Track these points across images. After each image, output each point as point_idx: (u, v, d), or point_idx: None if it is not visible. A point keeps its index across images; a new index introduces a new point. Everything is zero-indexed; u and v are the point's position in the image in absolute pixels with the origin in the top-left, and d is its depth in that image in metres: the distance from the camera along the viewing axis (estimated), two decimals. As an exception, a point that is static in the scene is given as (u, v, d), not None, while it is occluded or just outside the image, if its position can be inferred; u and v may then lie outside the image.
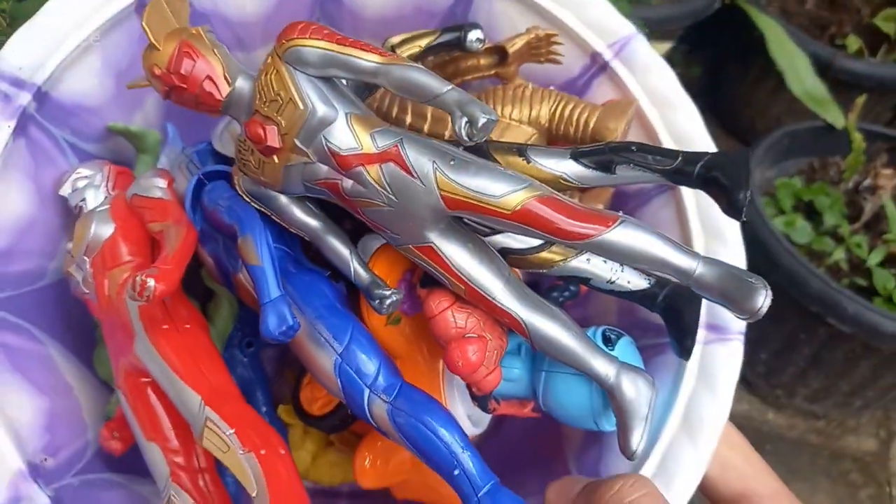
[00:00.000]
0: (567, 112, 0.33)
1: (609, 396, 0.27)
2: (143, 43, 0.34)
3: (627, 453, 0.27)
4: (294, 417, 0.35)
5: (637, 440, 0.26)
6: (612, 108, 0.32)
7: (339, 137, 0.27)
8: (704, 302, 0.31)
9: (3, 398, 0.28)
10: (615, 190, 0.36)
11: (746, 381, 0.86)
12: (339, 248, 0.29)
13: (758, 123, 1.11)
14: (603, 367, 0.27)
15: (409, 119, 0.34)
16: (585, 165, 0.28)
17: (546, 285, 0.36)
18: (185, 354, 0.26)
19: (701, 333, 0.31)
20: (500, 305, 0.27)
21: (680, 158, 0.27)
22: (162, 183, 0.31)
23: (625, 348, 0.30)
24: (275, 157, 0.28)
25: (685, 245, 0.25)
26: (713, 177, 0.26)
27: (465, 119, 0.24)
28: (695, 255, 0.24)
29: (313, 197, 0.29)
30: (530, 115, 0.33)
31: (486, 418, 0.35)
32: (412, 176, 0.26)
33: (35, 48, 0.31)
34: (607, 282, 0.30)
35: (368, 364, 0.27)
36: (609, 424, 0.31)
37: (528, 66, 0.35)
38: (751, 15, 0.97)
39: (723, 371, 0.30)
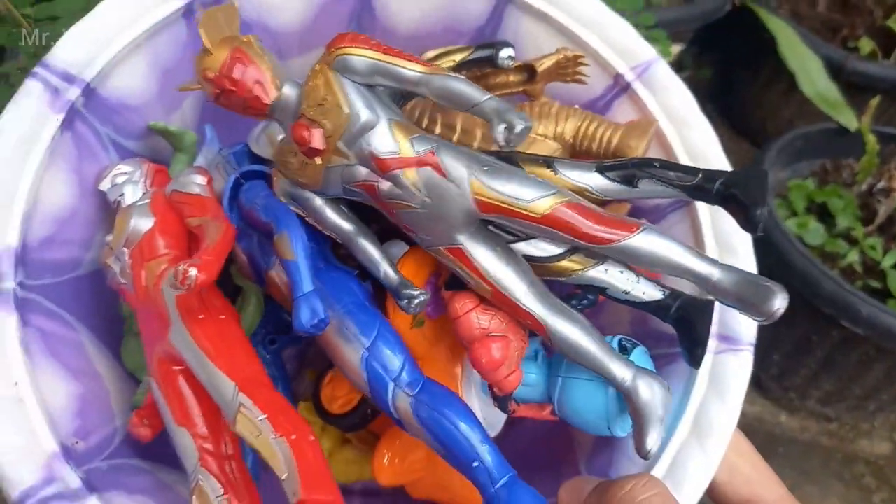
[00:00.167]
0: (591, 129, 0.34)
1: (626, 399, 0.28)
2: (187, 47, 0.37)
3: (642, 453, 0.28)
4: (312, 415, 0.36)
5: (653, 441, 0.27)
6: (634, 127, 0.34)
7: (379, 141, 0.28)
8: (716, 313, 0.32)
9: (39, 382, 0.29)
10: (632, 206, 0.37)
11: (759, 384, 0.85)
12: (370, 249, 0.31)
13: (769, 125, 1.11)
14: (620, 370, 0.28)
15: (438, 130, 0.35)
16: (610, 179, 0.29)
17: (564, 293, 0.37)
18: (220, 343, 0.27)
19: (712, 343, 0.32)
20: (523, 307, 0.28)
21: (700, 175, 0.28)
22: (202, 180, 0.33)
23: (640, 357, 0.31)
24: (317, 159, 0.29)
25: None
26: (731, 194, 0.27)
27: (503, 125, 0.26)
28: (713, 261, 0.26)
29: (347, 200, 0.31)
30: (555, 130, 0.34)
31: (499, 422, 0.36)
32: (447, 179, 0.27)
33: (86, 46, 0.33)
34: (623, 292, 0.31)
35: (394, 359, 0.28)
36: (622, 430, 0.32)
37: (553, 84, 0.37)
38: (762, 17, 0.96)
39: (733, 380, 0.32)
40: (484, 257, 0.28)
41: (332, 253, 0.33)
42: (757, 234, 0.26)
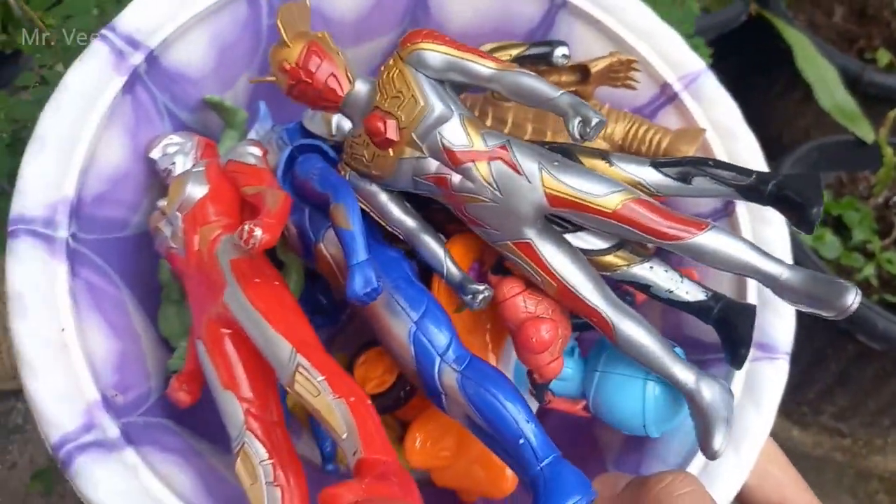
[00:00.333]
0: (641, 132, 0.35)
1: (688, 401, 0.28)
2: (246, 27, 0.37)
3: (709, 454, 0.28)
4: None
5: (719, 442, 0.27)
6: (684, 134, 0.35)
7: (452, 135, 0.29)
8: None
9: (85, 333, 0.29)
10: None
11: (772, 398, 0.84)
12: (433, 245, 0.31)
13: (784, 136, 1.09)
14: (683, 372, 0.28)
15: (489, 123, 0.36)
16: (664, 174, 0.30)
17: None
18: (277, 306, 0.28)
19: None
20: (591, 304, 0.28)
21: (754, 176, 0.29)
22: (258, 151, 0.33)
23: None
24: (390, 151, 0.30)
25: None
26: (785, 195, 0.28)
27: (578, 119, 0.27)
28: (780, 261, 0.26)
29: (412, 195, 0.31)
30: (605, 132, 0.35)
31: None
32: (519, 174, 0.28)
33: (153, 14, 0.34)
34: (666, 290, 0.31)
35: (440, 335, 0.29)
36: (657, 431, 0.32)
37: (600, 89, 0.38)
38: (778, 27, 0.95)
39: (768, 387, 0.32)
40: (551, 253, 0.29)
41: (380, 234, 0.33)
42: (811, 233, 0.27)
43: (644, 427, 0.32)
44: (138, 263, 0.35)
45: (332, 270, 0.32)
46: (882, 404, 0.80)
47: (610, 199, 0.27)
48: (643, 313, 0.40)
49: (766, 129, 1.14)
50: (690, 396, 0.28)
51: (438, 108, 0.29)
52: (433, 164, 0.29)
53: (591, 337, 0.36)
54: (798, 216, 0.27)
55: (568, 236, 0.31)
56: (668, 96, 0.38)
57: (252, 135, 0.37)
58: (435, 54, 0.29)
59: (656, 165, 0.30)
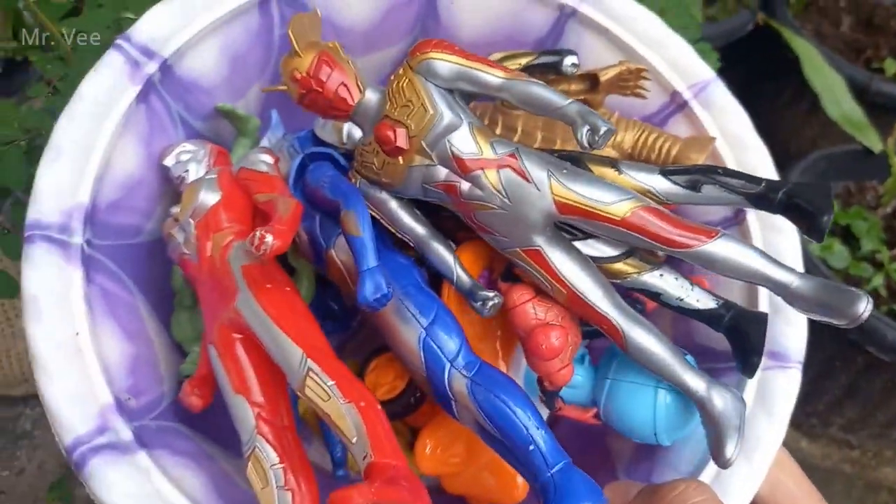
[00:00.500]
0: (650, 140, 0.35)
1: (700, 409, 0.28)
2: (258, 37, 0.38)
3: (721, 462, 0.27)
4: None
5: (731, 450, 0.27)
6: (694, 142, 0.35)
7: (462, 143, 0.29)
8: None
9: (99, 337, 0.29)
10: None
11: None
12: (443, 252, 0.32)
13: (791, 145, 1.09)
14: (694, 380, 0.28)
15: (499, 131, 0.36)
16: (674, 182, 0.30)
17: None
18: (288, 311, 0.28)
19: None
20: (601, 312, 0.28)
21: (764, 184, 0.29)
22: (269, 159, 0.33)
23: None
24: (400, 159, 0.30)
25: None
26: (795, 203, 0.28)
27: (587, 127, 0.27)
28: (791, 269, 0.26)
29: (422, 202, 0.32)
30: (615, 140, 0.35)
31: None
32: (528, 181, 0.28)
33: (167, 23, 0.34)
34: (677, 298, 0.31)
35: (451, 341, 0.29)
36: (668, 439, 0.32)
37: (609, 98, 0.38)
38: (785, 37, 0.95)
39: (780, 396, 0.32)
40: (561, 260, 0.29)
41: (390, 241, 0.34)
42: (821, 241, 0.27)
43: (655, 435, 0.32)
44: (151, 269, 0.35)
45: (343, 277, 0.32)
46: (891, 416, 0.79)
47: (619, 207, 0.27)
48: (653, 321, 0.40)
49: (773, 139, 1.13)
50: (702, 405, 0.28)
51: (448, 116, 0.29)
52: (442, 172, 0.30)
53: (601, 345, 0.36)
54: (808, 224, 0.27)
55: (578, 244, 0.31)
56: (677, 104, 0.38)
57: (264, 143, 0.38)
58: (444, 64, 0.30)
59: (665, 173, 0.30)
